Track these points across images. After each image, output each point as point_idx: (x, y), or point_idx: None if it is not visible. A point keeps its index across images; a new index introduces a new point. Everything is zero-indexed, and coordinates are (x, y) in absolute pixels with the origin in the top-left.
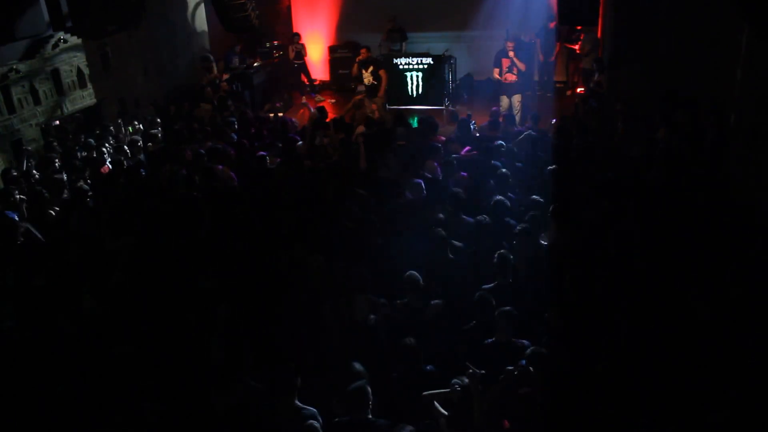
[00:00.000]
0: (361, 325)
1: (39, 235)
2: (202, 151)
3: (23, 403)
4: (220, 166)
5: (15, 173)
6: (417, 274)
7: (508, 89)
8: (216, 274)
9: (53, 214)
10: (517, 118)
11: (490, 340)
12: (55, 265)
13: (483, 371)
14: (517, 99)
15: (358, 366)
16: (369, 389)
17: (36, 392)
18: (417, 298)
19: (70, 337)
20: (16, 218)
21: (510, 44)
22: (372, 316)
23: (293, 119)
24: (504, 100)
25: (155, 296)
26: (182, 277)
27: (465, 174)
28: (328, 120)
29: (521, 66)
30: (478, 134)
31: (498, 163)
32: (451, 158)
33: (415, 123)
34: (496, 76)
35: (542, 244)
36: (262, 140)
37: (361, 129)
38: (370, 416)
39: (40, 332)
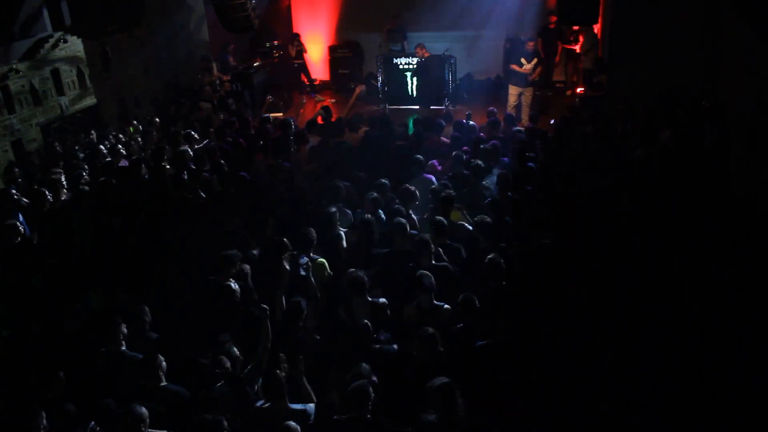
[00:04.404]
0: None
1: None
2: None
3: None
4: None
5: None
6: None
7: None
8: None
9: (52, 214)
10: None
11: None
12: (55, 265)
13: None
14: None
15: (365, 366)
16: (371, 389)
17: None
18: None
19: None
20: (20, 218)
21: (530, 44)
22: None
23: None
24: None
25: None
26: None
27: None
28: (333, 119)
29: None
30: (482, 134)
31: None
32: (460, 153)
33: (411, 123)
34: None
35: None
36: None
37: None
38: (369, 416)
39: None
